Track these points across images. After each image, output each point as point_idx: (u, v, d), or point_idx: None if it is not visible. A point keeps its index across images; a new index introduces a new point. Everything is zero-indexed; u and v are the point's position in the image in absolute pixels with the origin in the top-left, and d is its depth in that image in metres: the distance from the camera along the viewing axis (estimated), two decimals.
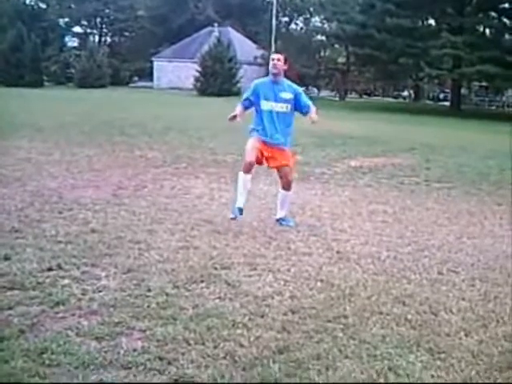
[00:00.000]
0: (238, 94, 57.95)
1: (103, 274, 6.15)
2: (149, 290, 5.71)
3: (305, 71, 68.59)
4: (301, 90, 8.78)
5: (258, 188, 11.47)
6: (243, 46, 69.92)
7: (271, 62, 8.52)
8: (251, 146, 8.47)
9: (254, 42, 75.55)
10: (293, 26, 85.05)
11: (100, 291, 5.66)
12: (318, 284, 6.12)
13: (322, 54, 76.03)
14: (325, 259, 7.03)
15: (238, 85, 61.64)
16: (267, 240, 7.74)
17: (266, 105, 8.48)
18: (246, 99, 8.63)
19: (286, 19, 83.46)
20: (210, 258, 6.82)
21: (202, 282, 6.04)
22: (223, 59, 61.72)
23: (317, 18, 77.49)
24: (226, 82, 60.50)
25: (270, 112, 8.47)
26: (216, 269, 6.47)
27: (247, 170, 8.44)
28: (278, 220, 8.70)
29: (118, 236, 7.53)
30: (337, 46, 70.96)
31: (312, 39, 73.28)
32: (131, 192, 10.50)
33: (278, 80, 8.51)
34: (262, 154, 8.52)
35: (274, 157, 8.60)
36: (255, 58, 69.20)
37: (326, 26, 71.72)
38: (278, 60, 8.48)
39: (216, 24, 74.63)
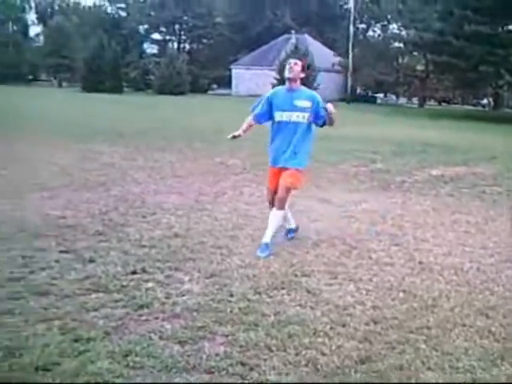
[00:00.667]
0: None
1: (186, 278, 6.23)
2: (231, 295, 5.76)
3: (383, 78, 68.28)
4: (320, 98, 7.69)
5: (336, 196, 11.43)
6: (320, 53, 69.72)
7: (287, 66, 7.60)
8: (269, 182, 7.90)
9: (332, 48, 75.40)
10: (370, 32, 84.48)
11: (183, 295, 5.73)
12: (401, 294, 6.06)
13: (400, 61, 75.29)
14: (407, 269, 6.95)
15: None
16: (347, 249, 7.69)
17: (279, 116, 7.63)
18: (259, 112, 7.81)
19: (364, 26, 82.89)
20: (290, 265, 6.83)
21: (283, 288, 6.06)
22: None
23: (394, 25, 76.75)
24: None
25: (286, 124, 7.60)
26: (296, 276, 6.47)
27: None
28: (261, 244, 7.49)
29: (200, 241, 7.63)
30: (415, 53, 70.11)
31: (390, 46, 72.68)
32: (212, 198, 10.61)
33: (293, 87, 7.64)
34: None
35: (279, 176, 7.69)
36: (333, 64, 69.06)
37: (403, 33, 70.99)
38: (295, 64, 7.58)
39: (293, 31, 74.69)
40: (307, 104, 7.58)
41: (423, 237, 8.54)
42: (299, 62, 7.71)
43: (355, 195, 11.59)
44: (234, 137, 7.74)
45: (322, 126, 7.73)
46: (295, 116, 7.59)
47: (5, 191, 10.35)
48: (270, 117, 7.77)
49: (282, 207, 7.61)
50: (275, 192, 7.67)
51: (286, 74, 7.63)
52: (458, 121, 42.28)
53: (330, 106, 7.41)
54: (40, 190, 10.51)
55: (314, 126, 7.76)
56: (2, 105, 34.89)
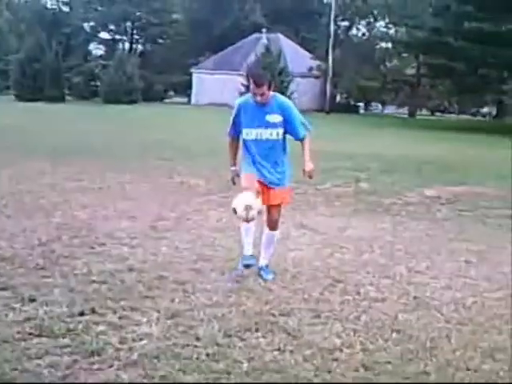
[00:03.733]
0: None
1: (144, 319, 6.19)
2: (197, 339, 5.74)
3: (367, 84, 68.70)
4: (291, 105, 7.97)
5: (317, 221, 11.49)
6: (296, 56, 70.14)
7: (256, 97, 7.73)
8: (246, 185, 7.89)
9: (309, 50, 75.86)
10: (353, 31, 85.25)
11: (141, 339, 5.70)
12: (394, 335, 6.09)
13: (388, 64, 75.96)
14: (400, 306, 7.00)
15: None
16: (331, 282, 7.72)
17: (249, 133, 7.88)
18: (232, 128, 8.05)
19: (346, 24, 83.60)
20: (265, 303, 6.84)
21: (258, 330, 6.05)
22: (273, 71, 61.90)
23: (381, 23, 77.63)
24: None
25: (257, 142, 7.86)
26: (273, 315, 6.48)
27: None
28: (259, 269, 7.98)
29: (159, 275, 7.60)
30: (405, 54, 70.84)
31: (376, 47, 73.42)
32: (172, 224, 10.62)
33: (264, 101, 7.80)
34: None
35: (265, 194, 7.94)
36: (310, 69, 69.52)
37: (392, 31, 71.87)
38: (262, 95, 7.67)
39: (264, 30, 75.10)
40: (279, 118, 7.79)
41: (418, 268, 8.61)
42: (265, 88, 7.71)
43: (338, 220, 11.66)
44: (234, 181, 8.23)
45: (300, 140, 7.93)
46: (268, 133, 7.81)
47: None
48: (239, 130, 8.02)
49: (277, 227, 8.12)
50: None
51: (256, 99, 7.77)
52: (454, 133, 42.66)
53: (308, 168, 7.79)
54: None
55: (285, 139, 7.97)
56: None
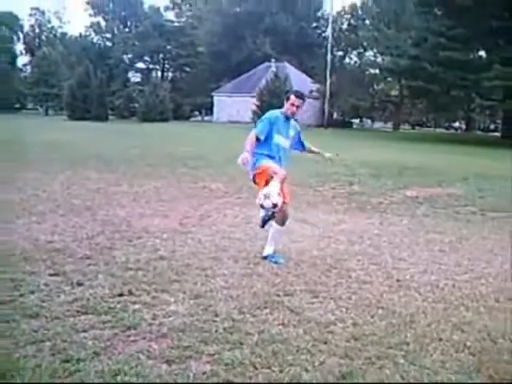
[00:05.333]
0: None
1: (172, 299, 6.20)
2: (216, 316, 5.75)
3: (359, 104, 68.68)
4: (299, 128, 8.47)
5: (316, 217, 11.49)
6: (299, 80, 69.99)
7: (292, 108, 7.99)
8: (274, 165, 7.88)
9: (310, 76, 75.84)
10: (347, 59, 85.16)
11: (169, 316, 5.71)
12: (379, 311, 6.09)
13: (376, 86, 75.86)
14: (385, 287, 7.00)
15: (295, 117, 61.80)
16: (327, 268, 7.72)
17: (277, 138, 7.97)
18: (263, 132, 7.89)
19: (341, 53, 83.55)
20: (272, 285, 6.84)
21: (266, 308, 6.05)
22: (280, 93, 61.98)
23: (370, 53, 77.50)
24: None
25: (280, 147, 8.01)
26: (279, 295, 6.48)
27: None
28: (265, 257, 8.04)
29: (185, 263, 7.61)
30: (390, 79, 70.70)
31: (366, 73, 73.31)
32: (197, 221, 10.62)
33: (289, 118, 8.16)
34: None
35: (285, 192, 7.95)
36: (311, 91, 69.36)
37: (379, 59, 71.69)
38: (298, 107, 8.03)
39: (273, 59, 75.11)
40: (293, 133, 8.23)
41: (400, 256, 8.62)
42: (302, 102, 8.12)
43: (334, 216, 11.66)
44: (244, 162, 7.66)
45: (300, 151, 8.56)
46: (287, 144, 8.13)
47: None
48: (267, 136, 7.97)
49: (285, 223, 8.20)
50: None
51: (292, 112, 8.05)
52: (431, 143, 42.56)
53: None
54: (29, 215, 10.46)
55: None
56: None
